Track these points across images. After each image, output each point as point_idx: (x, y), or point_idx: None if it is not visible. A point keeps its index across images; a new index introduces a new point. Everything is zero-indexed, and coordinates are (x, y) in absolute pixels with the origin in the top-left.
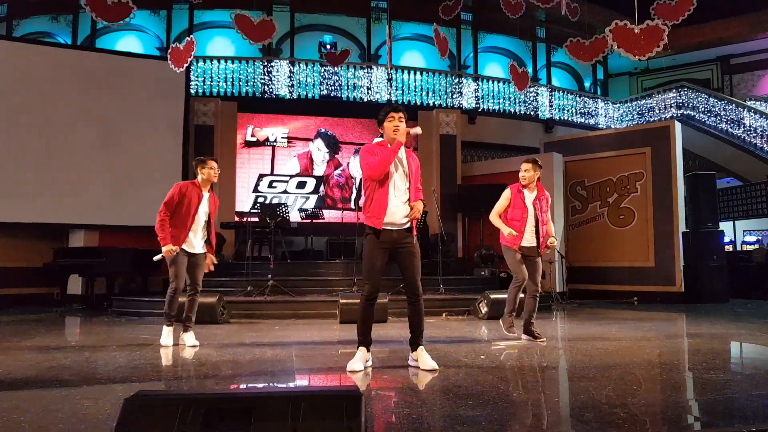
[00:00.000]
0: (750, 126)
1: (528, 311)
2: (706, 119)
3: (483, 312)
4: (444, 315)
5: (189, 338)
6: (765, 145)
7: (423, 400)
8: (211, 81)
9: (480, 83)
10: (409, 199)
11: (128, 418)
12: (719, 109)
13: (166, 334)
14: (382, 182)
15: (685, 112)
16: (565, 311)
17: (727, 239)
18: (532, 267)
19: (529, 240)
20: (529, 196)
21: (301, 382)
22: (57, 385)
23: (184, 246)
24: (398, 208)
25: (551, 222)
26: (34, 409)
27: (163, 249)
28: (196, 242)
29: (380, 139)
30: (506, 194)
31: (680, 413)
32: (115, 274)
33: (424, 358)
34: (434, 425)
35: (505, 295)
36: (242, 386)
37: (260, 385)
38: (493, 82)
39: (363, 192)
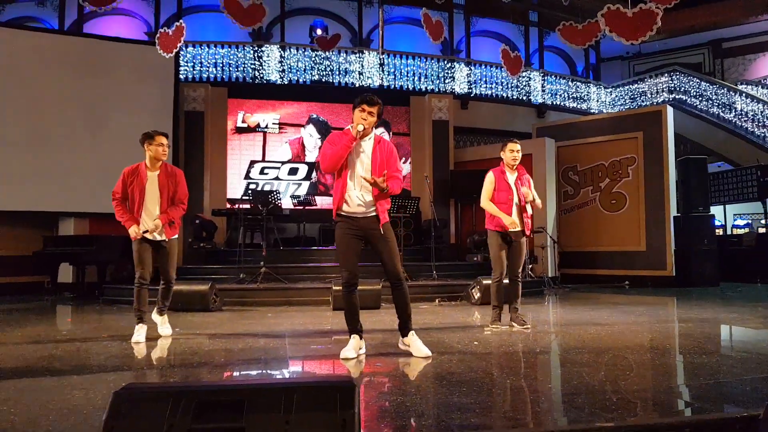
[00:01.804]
0: (741, 110)
1: (512, 297)
2: (697, 103)
3: (476, 298)
4: (437, 301)
5: (163, 326)
6: (756, 129)
7: (416, 387)
8: (201, 66)
9: (472, 68)
10: (371, 193)
11: (118, 411)
12: (711, 93)
13: (136, 330)
14: (339, 172)
15: (677, 97)
16: (557, 296)
17: (717, 223)
18: (517, 251)
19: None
20: (511, 178)
21: (294, 371)
22: (47, 375)
23: (141, 222)
24: (357, 197)
25: (537, 197)
26: (24, 400)
27: (130, 232)
28: (149, 218)
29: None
30: (490, 178)
31: (672, 398)
32: (105, 262)
33: (416, 345)
34: (427, 412)
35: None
36: (235, 374)
37: (253, 374)
38: (485, 67)
39: None
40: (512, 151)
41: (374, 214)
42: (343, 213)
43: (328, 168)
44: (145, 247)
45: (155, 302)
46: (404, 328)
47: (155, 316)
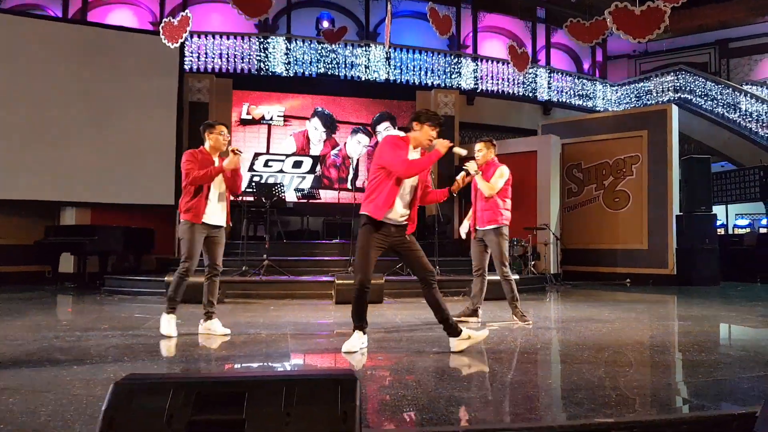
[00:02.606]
0: (746, 110)
1: (507, 295)
2: (702, 103)
3: None
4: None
5: (217, 326)
6: (760, 130)
7: (418, 381)
8: (206, 57)
9: (479, 63)
10: (411, 203)
11: (118, 401)
12: (716, 93)
13: (167, 322)
14: (398, 180)
15: (682, 96)
16: (559, 293)
17: (719, 223)
18: (490, 250)
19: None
20: (478, 177)
21: (295, 363)
22: (47, 365)
23: (204, 218)
24: (402, 207)
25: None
26: (23, 390)
27: (231, 158)
28: (215, 212)
29: (402, 134)
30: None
31: (671, 395)
32: (107, 253)
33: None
34: (429, 406)
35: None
36: (236, 366)
37: (255, 366)
38: (492, 63)
39: (371, 178)
40: (475, 150)
41: (406, 223)
42: (386, 218)
43: (410, 175)
44: (200, 237)
45: (172, 307)
46: (452, 328)
47: (211, 324)
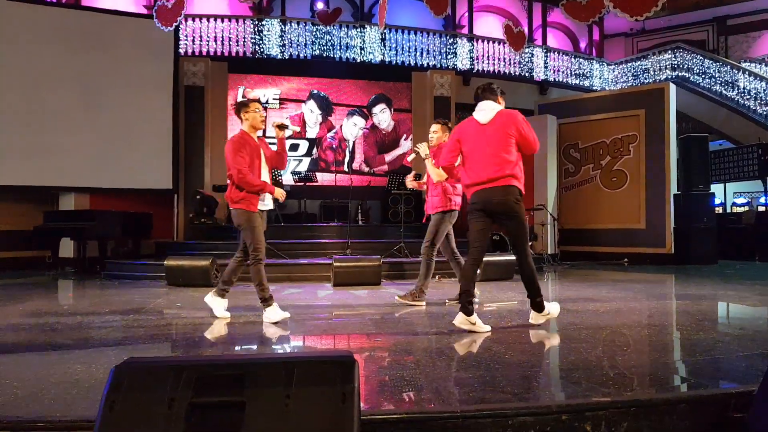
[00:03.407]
0: (744, 88)
1: (420, 272)
2: (700, 81)
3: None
4: (437, 278)
5: (274, 313)
6: (758, 108)
7: (416, 362)
8: (201, 40)
9: (475, 43)
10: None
11: (119, 384)
12: (714, 70)
13: (273, 311)
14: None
15: (680, 74)
16: (557, 273)
17: (717, 201)
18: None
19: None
20: (428, 162)
21: (294, 345)
22: (49, 349)
23: (259, 205)
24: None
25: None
26: (26, 374)
27: (278, 193)
28: (265, 197)
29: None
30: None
31: (668, 373)
32: (106, 237)
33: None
34: (427, 386)
35: (500, 258)
36: (236, 349)
37: (254, 348)
38: (488, 43)
39: (509, 151)
40: (431, 132)
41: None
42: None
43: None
44: (261, 224)
45: (224, 290)
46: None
47: (268, 312)
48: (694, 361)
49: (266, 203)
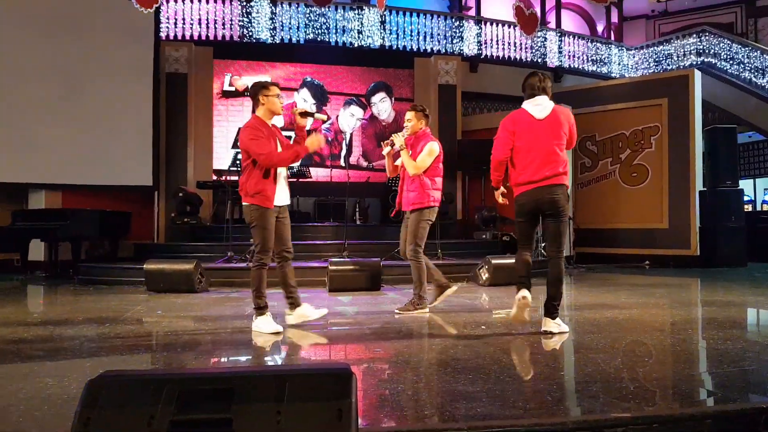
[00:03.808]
0: None
1: (413, 279)
2: (728, 67)
3: (484, 278)
4: None
5: (308, 310)
6: None
7: (418, 374)
8: (184, 23)
9: (483, 26)
10: None
11: (94, 400)
12: (743, 56)
13: (265, 322)
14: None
15: (705, 60)
16: (572, 276)
17: (746, 198)
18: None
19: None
20: (404, 153)
21: (287, 357)
22: (17, 361)
23: (275, 201)
24: None
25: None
26: None
27: (315, 141)
28: (283, 191)
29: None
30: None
31: (694, 386)
32: (80, 239)
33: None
34: (430, 401)
35: (510, 261)
36: (223, 361)
37: (242, 360)
38: (497, 26)
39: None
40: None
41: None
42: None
43: None
44: (273, 221)
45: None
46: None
47: (301, 310)
48: (722, 372)
49: (282, 197)
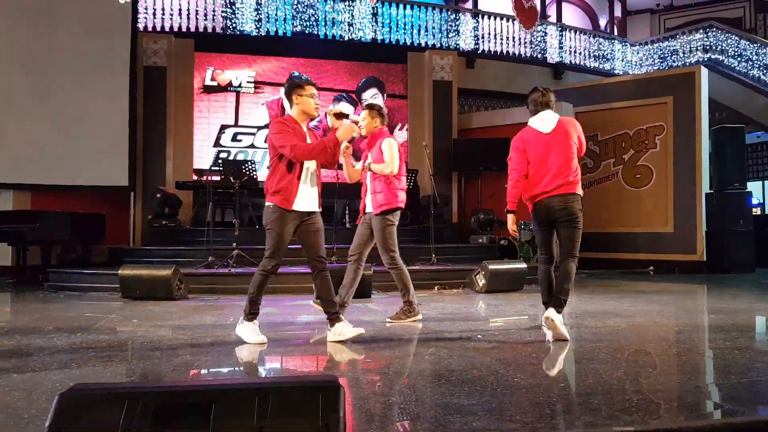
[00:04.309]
0: None
1: (398, 286)
2: (735, 64)
3: (480, 285)
4: (436, 288)
5: (346, 329)
6: None
7: (411, 386)
8: (163, 14)
9: (480, 20)
10: None
11: (63, 415)
12: (751, 53)
13: (251, 330)
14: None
15: (712, 57)
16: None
17: (755, 201)
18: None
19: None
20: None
21: (270, 368)
22: None
23: (296, 204)
24: None
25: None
26: None
27: (346, 131)
28: (308, 195)
29: None
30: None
31: (700, 398)
32: (51, 242)
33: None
34: (423, 415)
35: (508, 266)
36: (202, 372)
37: (223, 372)
38: (495, 19)
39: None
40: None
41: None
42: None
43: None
44: (291, 227)
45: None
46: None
47: (340, 327)
48: (729, 384)
49: (307, 202)
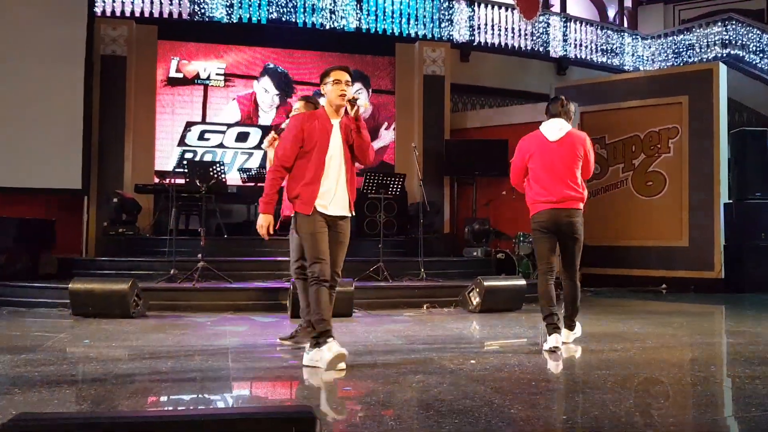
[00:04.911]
0: None
1: (301, 302)
2: (757, 61)
3: (474, 303)
4: (425, 307)
5: (334, 347)
6: None
7: (397, 417)
8: None
9: (476, 9)
10: None
11: None
12: None
13: (325, 350)
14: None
15: (732, 52)
16: None
17: None
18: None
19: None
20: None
21: (239, 396)
22: None
23: (318, 206)
24: None
25: None
26: None
27: (259, 219)
28: (335, 198)
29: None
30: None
31: None
32: None
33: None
34: None
35: (506, 283)
36: (162, 400)
37: (186, 399)
38: (492, 8)
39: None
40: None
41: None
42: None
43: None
44: (323, 227)
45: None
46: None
47: (322, 353)
48: (749, 417)
49: (334, 206)
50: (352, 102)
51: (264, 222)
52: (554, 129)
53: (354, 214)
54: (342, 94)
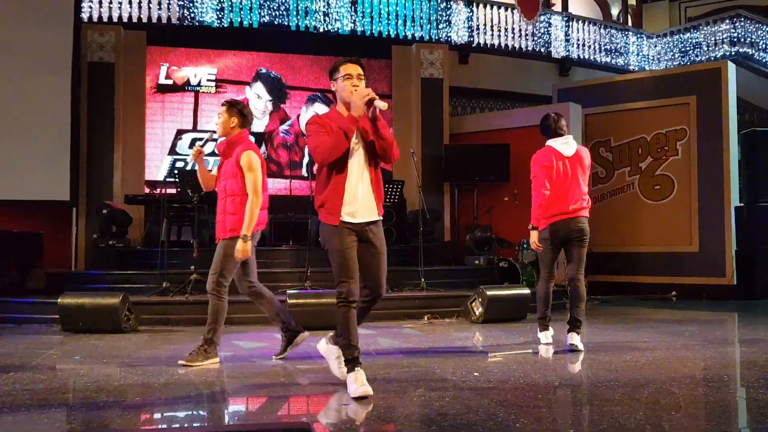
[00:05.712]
0: None
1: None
2: (767, 58)
3: (477, 314)
4: (426, 318)
5: (361, 381)
6: None
7: None
8: (111, 2)
9: (475, 9)
10: None
11: None
12: None
13: (351, 381)
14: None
15: (741, 50)
16: None
17: None
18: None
19: None
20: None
21: (233, 412)
22: None
23: (344, 215)
24: None
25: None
26: None
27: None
28: (362, 202)
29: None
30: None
31: None
32: None
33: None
34: None
35: (509, 292)
36: (155, 417)
37: (180, 416)
38: (492, 8)
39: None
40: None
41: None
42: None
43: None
44: (353, 242)
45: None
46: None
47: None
48: (764, 428)
49: (362, 212)
50: (369, 102)
51: None
52: (569, 145)
53: (382, 216)
54: (355, 88)
